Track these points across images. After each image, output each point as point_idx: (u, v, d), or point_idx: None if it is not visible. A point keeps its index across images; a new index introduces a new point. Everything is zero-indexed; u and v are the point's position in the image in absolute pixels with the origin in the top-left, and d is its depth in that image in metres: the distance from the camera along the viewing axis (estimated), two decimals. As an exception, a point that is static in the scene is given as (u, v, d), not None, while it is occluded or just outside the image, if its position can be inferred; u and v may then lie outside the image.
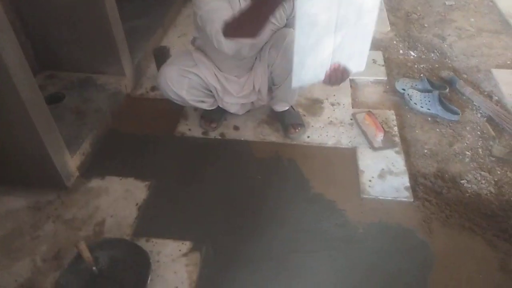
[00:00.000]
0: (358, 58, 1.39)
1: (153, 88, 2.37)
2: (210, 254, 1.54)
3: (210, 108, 2.04)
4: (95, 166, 1.90)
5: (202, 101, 1.98)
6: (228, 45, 1.60)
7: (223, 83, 1.93)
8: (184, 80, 1.85)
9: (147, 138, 2.05)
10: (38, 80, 2.21)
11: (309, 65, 1.34)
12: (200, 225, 1.65)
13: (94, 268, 1.42)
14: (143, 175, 1.84)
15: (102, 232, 1.62)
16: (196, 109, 2.20)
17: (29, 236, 1.60)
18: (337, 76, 1.39)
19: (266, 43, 1.84)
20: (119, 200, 1.74)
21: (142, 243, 1.56)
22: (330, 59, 1.36)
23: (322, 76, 1.37)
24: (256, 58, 1.91)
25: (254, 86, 1.94)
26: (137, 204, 1.72)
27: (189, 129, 2.10)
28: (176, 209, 1.72)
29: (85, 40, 2.14)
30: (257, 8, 1.31)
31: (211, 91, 1.95)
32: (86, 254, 1.40)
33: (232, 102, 1.99)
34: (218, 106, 2.03)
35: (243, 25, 1.37)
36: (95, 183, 1.82)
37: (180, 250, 1.55)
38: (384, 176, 1.83)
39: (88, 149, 1.94)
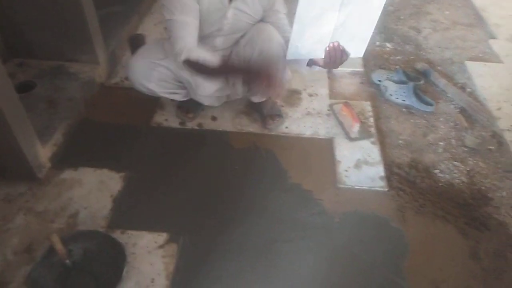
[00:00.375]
0: (359, 43, 1.35)
1: (128, 77, 2.32)
2: (187, 245, 1.53)
3: (184, 99, 2.01)
4: (67, 157, 1.85)
5: (175, 93, 1.95)
6: (186, 68, 1.63)
7: (195, 77, 1.89)
8: (153, 73, 1.81)
9: (122, 128, 2.01)
10: (8, 68, 2.13)
11: (307, 37, 1.30)
12: (177, 216, 1.63)
13: (67, 261, 1.39)
14: (118, 166, 1.81)
15: (76, 224, 1.58)
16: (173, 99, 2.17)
17: (-1, 229, 1.56)
18: (336, 55, 1.39)
19: (242, 36, 1.80)
20: (93, 191, 1.70)
21: (117, 235, 1.54)
22: (330, 37, 1.32)
23: (320, 53, 1.34)
24: (231, 51, 1.88)
25: (228, 79, 1.92)
26: (111, 196, 1.69)
27: (166, 119, 2.07)
28: (152, 200, 1.69)
29: (57, 26, 2.06)
30: (218, 69, 1.50)
31: (183, 83, 1.92)
32: (59, 246, 1.36)
33: (206, 95, 1.94)
34: (194, 97, 2.00)
35: (203, 70, 1.52)
36: (68, 174, 1.77)
37: (156, 242, 1.53)
38: (360, 166, 1.85)
39: (61, 139, 1.89)
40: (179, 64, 1.71)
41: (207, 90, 1.90)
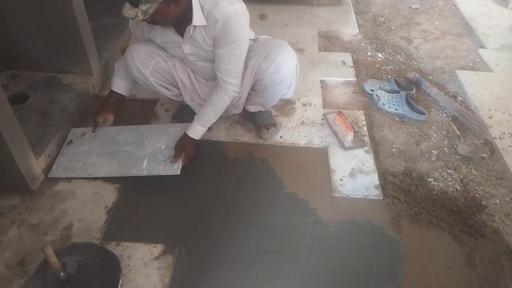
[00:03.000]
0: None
1: (122, 89, 2.31)
2: (183, 257, 1.52)
3: (175, 99, 2.02)
4: (61, 169, 1.83)
5: (167, 88, 1.96)
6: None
7: (193, 81, 1.91)
8: (151, 61, 1.84)
9: (117, 139, 2.00)
10: (1, 80, 2.13)
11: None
12: (172, 227, 1.63)
13: (61, 274, 1.37)
14: (112, 177, 1.79)
15: (70, 236, 1.57)
16: (167, 109, 2.17)
17: (-8, 242, 1.53)
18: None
19: (257, 53, 1.81)
20: (87, 203, 1.69)
21: (112, 247, 1.52)
22: None
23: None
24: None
25: None
26: (106, 207, 1.68)
27: (160, 130, 2.07)
28: (147, 211, 1.68)
29: (51, 38, 2.07)
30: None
31: (176, 82, 1.93)
32: (53, 259, 1.35)
33: (200, 103, 1.96)
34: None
35: None
36: (61, 186, 1.76)
37: (152, 254, 1.52)
38: (354, 175, 1.86)
39: (54, 151, 1.88)
40: (176, 63, 1.86)
41: (202, 99, 1.92)
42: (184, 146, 1.82)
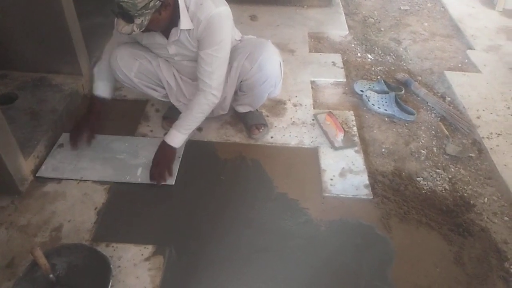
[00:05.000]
0: None
1: (112, 89, 2.30)
2: (174, 258, 1.52)
3: (163, 100, 2.01)
4: (51, 170, 1.82)
5: (153, 89, 1.95)
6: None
7: (179, 81, 1.91)
8: (135, 63, 1.83)
9: (107, 140, 1.99)
10: (-12, 80, 2.10)
11: None
12: (163, 228, 1.62)
13: (51, 275, 1.36)
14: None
15: (59, 238, 1.55)
16: (158, 109, 2.16)
17: (-20, 244, 1.52)
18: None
19: (240, 53, 1.81)
20: (76, 204, 1.68)
21: (102, 248, 1.51)
22: None
23: None
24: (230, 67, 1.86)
25: None
26: (96, 208, 1.67)
27: (151, 130, 2.06)
28: (137, 212, 1.68)
29: (40, 38, 2.05)
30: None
31: (162, 83, 1.92)
32: (42, 261, 1.33)
33: (186, 103, 1.94)
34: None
35: None
36: (51, 187, 1.74)
37: (142, 255, 1.51)
38: (344, 174, 1.87)
39: (43, 152, 1.86)
40: (161, 63, 1.84)
41: (187, 99, 1.91)
42: (163, 156, 1.78)
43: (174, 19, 1.62)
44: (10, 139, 1.61)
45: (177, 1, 1.58)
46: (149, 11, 1.47)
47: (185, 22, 1.62)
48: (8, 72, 2.19)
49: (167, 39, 1.71)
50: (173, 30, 1.66)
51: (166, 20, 1.59)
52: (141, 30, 1.52)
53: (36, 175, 1.77)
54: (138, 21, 1.48)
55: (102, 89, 1.89)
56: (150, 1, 1.45)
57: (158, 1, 1.48)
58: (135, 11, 1.45)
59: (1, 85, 2.12)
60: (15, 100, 2.04)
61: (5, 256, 1.48)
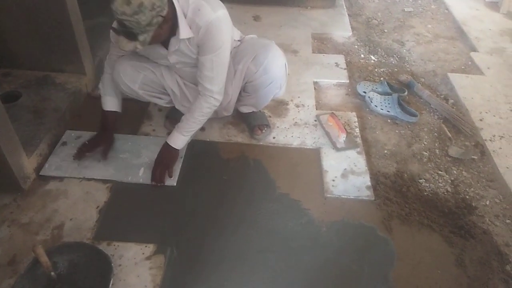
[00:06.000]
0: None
1: (115, 88, 2.31)
2: (175, 257, 1.52)
3: (168, 106, 2.02)
4: (53, 168, 1.82)
5: (158, 97, 1.96)
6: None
7: (182, 87, 1.91)
8: (139, 75, 1.83)
9: (109, 138, 1.99)
10: (-8, 78, 2.11)
11: None
12: (164, 227, 1.62)
13: (52, 273, 1.36)
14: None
15: (61, 236, 1.56)
16: (160, 109, 2.17)
17: (-18, 241, 1.52)
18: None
19: (245, 56, 1.81)
20: (78, 202, 1.68)
21: (104, 246, 1.52)
22: None
23: None
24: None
25: None
26: (98, 207, 1.67)
27: (153, 130, 2.07)
28: (139, 211, 1.68)
29: (44, 36, 2.06)
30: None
31: (166, 90, 1.93)
32: (44, 258, 1.34)
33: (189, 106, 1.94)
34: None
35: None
36: (53, 185, 1.75)
37: (143, 253, 1.51)
38: (346, 175, 1.87)
39: (46, 150, 1.87)
40: (164, 72, 1.84)
41: (190, 101, 1.91)
42: (165, 157, 1.79)
43: (172, 29, 1.60)
44: (13, 137, 1.61)
45: (175, 10, 1.56)
46: (152, 27, 1.46)
47: (184, 31, 1.59)
48: (12, 71, 2.20)
49: (167, 49, 1.70)
50: (173, 40, 1.64)
51: (166, 33, 1.58)
52: (144, 46, 1.51)
53: (40, 173, 1.77)
54: (141, 38, 1.47)
55: (110, 104, 1.88)
56: (153, 18, 1.44)
57: (160, 17, 1.47)
58: (139, 29, 1.44)
59: (5, 83, 2.13)
60: (19, 98, 2.05)
61: (7, 254, 1.48)
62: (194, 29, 1.61)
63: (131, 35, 1.46)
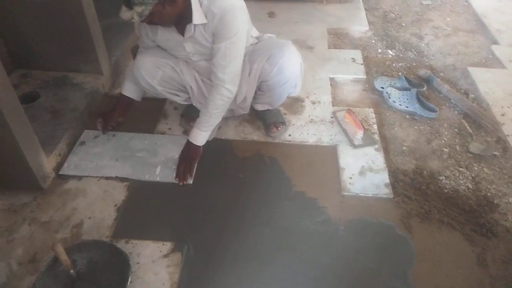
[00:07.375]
0: None
1: (132, 87, 2.33)
2: (192, 254, 1.52)
3: (185, 103, 2.03)
4: (72, 167, 1.85)
5: (176, 95, 1.97)
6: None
7: (199, 83, 1.91)
8: (158, 72, 1.85)
9: (126, 137, 2.01)
10: (12, 79, 2.15)
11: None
12: (181, 225, 1.63)
13: (71, 271, 1.38)
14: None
15: (80, 234, 1.58)
16: (176, 107, 2.18)
17: (4, 239, 1.55)
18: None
19: (260, 55, 1.81)
20: (97, 201, 1.70)
21: (122, 244, 1.53)
22: None
23: None
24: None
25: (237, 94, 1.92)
26: (116, 205, 1.69)
27: (169, 128, 2.07)
28: (156, 209, 1.69)
29: (61, 37, 2.08)
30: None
31: (185, 87, 1.94)
32: (63, 256, 1.36)
33: None
34: (199, 105, 2.01)
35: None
36: (72, 184, 1.77)
37: (161, 251, 1.52)
38: (364, 173, 1.84)
39: (64, 149, 1.89)
40: (182, 68, 1.85)
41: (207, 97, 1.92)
42: (189, 154, 1.82)
43: (187, 15, 1.62)
44: (32, 137, 1.64)
45: None
46: (150, 1, 1.48)
47: (197, 17, 1.61)
48: (30, 72, 2.24)
49: (183, 36, 1.72)
50: (188, 26, 1.67)
51: (172, 15, 1.58)
52: (142, 20, 1.52)
53: (59, 173, 1.80)
54: (138, 9, 1.48)
55: (130, 90, 1.96)
56: None
57: None
58: None
59: (23, 84, 2.17)
60: (37, 99, 2.08)
61: (28, 252, 1.51)
62: (209, 17, 1.62)
63: (128, 3, 1.48)
